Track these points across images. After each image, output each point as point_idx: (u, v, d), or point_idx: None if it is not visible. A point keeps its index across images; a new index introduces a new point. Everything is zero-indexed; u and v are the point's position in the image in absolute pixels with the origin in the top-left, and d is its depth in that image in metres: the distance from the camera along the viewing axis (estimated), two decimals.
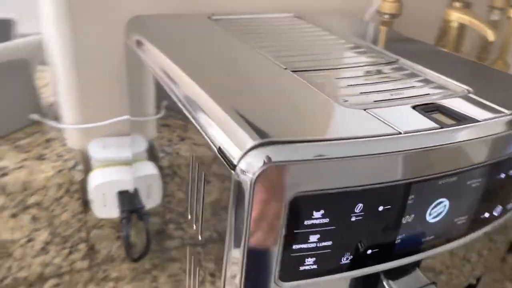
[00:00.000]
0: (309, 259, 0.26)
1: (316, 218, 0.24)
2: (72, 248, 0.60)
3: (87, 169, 0.57)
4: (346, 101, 0.28)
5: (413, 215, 0.27)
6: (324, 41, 0.41)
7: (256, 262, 0.25)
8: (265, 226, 0.24)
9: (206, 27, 0.41)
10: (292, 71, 0.32)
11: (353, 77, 0.33)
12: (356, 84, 0.31)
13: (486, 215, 0.32)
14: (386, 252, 0.28)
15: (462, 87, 0.32)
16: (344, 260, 0.27)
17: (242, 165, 0.22)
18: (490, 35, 0.45)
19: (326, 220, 0.25)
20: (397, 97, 0.29)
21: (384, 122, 0.25)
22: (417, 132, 0.25)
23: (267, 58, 0.34)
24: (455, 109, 0.28)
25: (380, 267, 0.28)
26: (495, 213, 0.32)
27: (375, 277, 0.30)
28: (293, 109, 0.27)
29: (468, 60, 0.39)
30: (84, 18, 0.50)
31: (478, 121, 0.27)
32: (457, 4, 0.50)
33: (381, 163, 0.24)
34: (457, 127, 0.26)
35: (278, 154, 0.22)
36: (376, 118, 0.26)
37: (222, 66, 0.33)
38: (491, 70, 0.39)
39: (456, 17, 0.50)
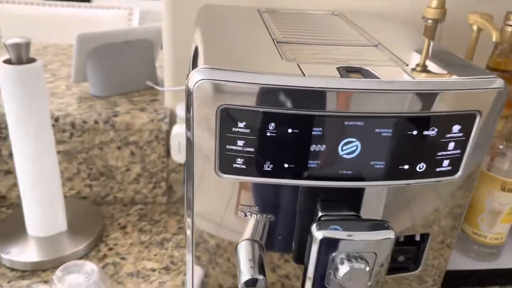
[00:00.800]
0: (239, 160, 0.37)
1: (240, 128, 0.36)
2: (156, 184, 0.79)
3: (172, 122, 0.76)
4: (294, 59, 0.39)
5: (324, 146, 0.37)
6: (334, 28, 0.51)
7: (201, 153, 0.37)
8: (205, 125, 0.36)
9: (249, 16, 0.55)
10: (278, 42, 0.44)
11: (325, 51, 0.43)
12: (319, 53, 0.42)
13: (406, 167, 0.38)
14: (300, 170, 0.37)
15: (405, 63, 0.40)
16: (266, 167, 0.37)
17: (189, 80, 0.35)
18: (495, 36, 0.49)
19: (247, 131, 0.36)
20: (340, 64, 0.39)
21: (300, 70, 0.36)
22: (318, 76, 0.35)
23: (269, 35, 0.46)
24: (373, 73, 0.36)
25: (299, 182, 0.38)
26: (418, 169, 0.39)
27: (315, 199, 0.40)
28: (247, 58, 0.39)
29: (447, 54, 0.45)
30: (179, 13, 0.68)
31: (379, 78, 0.35)
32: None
33: (287, 94, 0.35)
34: (353, 79, 0.35)
35: (209, 74, 0.34)
36: (298, 68, 0.36)
37: (232, 35, 0.46)
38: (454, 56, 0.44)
39: (473, 20, 0.54)
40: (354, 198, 0.40)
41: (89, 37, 0.75)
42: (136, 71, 0.82)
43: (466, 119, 0.38)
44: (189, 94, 0.35)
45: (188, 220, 0.41)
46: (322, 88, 0.34)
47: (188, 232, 0.42)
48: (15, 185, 0.75)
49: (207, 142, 0.37)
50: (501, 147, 0.62)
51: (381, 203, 0.40)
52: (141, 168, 0.78)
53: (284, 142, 0.36)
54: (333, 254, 0.36)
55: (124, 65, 0.80)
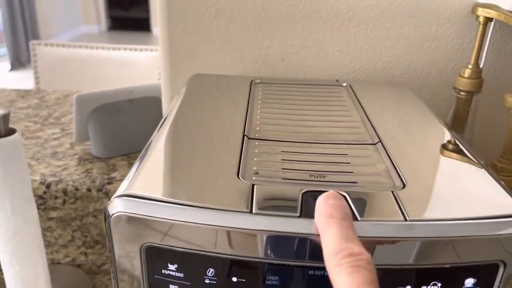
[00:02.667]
0: None
1: (172, 270, 0.28)
2: None
3: None
4: (256, 173, 0.31)
5: None
6: (330, 112, 0.42)
7: None
8: (128, 264, 0.28)
9: (235, 92, 0.47)
10: (249, 138, 0.36)
11: (302, 153, 0.34)
12: (295, 160, 0.33)
13: None
14: None
15: (398, 185, 0.30)
16: None
17: (108, 207, 0.28)
18: None
19: (181, 275, 0.28)
20: (312, 183, 0.30)
21: (251, 200, 0.27)
22: (269, 215, 0.26)
23: (244, 126, 0.38)
24: (350, 204, 0.27)
25: None
26: None
27: None
28: (194, 175, 0.31)
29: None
30: (174, 78, 0.62)
31: (356, 220, 0.26)
32: None
33: (229, 235, 0.26)
34: (308, 219, 0.25)
35: (131, 206, 0.27)
36: (249, 194, 0.28)
37: (197, 128, 0.39)
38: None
39: (510, 103, 0.42)
40: None
41: (89, 98, 0.71)
42: (141, 131, 0.77)
43: (484, 271, 0.27)
44: (107, 225, 0.28)
45: None
46: (270, 231, 0.25)
47: None
48: None
49: (134, 282, 0.29)
50: None
51: None
52: None
53: None
54: None
55: (127, 124, 0.75)
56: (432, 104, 0.49)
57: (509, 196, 0.29)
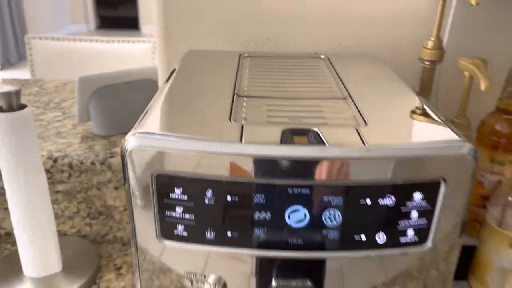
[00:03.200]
0: (180, 227, 0.35)
1: (177, 194, 0.34)
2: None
3: None
4: (245, 118, 0.37)
5: (269, 213, 0.34)
6: (308, 76, 0.49)
7: (142, 218, 0.36)
8: (142, 191, 0.35)
9: (226, 64, 0.53)
10: (238, 96, 0.42)
11: (283, 105, 0.40)
12: (276, 109, 0.39)
13: (363, 237, 0.35)
14: (246, 239, 0.35)
15: (361, 124, 0.36)
16: (209, 236, 0.35)
17: (124, 144, 0.34)
18: (483, 85, 0.44)
19: (185, 197, 0.34)
20: (291, 124, 0.36)
21: (241, 134, 0.33)
22: (255, 143, 0.32)
23: (234, 87, 0.44)
24: (320, 136, 0.33)
25: (245, 252, 0.35)
26: (378, 239, 0.35)
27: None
28: (194, 119, 0.37)
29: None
30: (170, 56, 0.68)
31: (323, 142, 0.32)
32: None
33: (223, 161, 0.32)
34: (290, 146, 0.32)
35: (144, 141, 0.33)
36: (240, 131, 0.34)
37: (194, 88, 0.45)
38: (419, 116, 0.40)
39: (464, 66, 0.49)
40: (312, 269, 0.36)
41: (91, 79, 0.76)
42: (139, 111, 0.82)
43: (429, 187, 0.34)
44: (123, 159, 0.34)
45: (137, 282, 0.39)
46: (257, 155, 0.32)
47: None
48: None
49: (146, 207, 0.35)
50: (509, 198, 0.56)
51: (346, 276, 0.37)
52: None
53: (225, 210, 0.34)
54: None
55: (126, 105, 0.81)
56: (403, 77, 0.56)
57: (451, 131, 0.36)
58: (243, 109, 0.39)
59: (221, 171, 0.33)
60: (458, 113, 0.52)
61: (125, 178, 0.34)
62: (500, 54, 0.66)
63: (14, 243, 0.79)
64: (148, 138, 0.33)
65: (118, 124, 0.81)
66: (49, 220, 0.67)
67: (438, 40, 0.56)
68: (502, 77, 0.59)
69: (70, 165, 0.73)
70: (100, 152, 0.75)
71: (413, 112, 0.40)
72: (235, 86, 0.44)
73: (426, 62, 0.57)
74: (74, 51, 1.46)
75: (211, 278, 0.37)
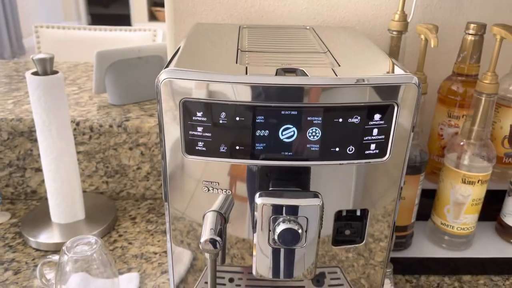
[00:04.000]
0: (200, 143, 0.47)
1: (198, 116, 0.45)
2: None
3: None
4: (247, 63, 0.48)
5: (267, 131, 0.45)
6: (297, 40, 0.60)
7: (170, 138, 0.47)
8: (171, 115, 0.46)
9: (229, 31, 0.65)
10: (241, 51, 0.53)
11: (277, 57, 0.52)
12: (272, 58, 0.51)
13: (337, 149, 0.46)
14: (250, 152, 0.46)
15: (336, 66, 0.48)
16: (222, 149, 0.46)
17: (158, 79, 0.45)
18: (433, 42, 0.56)
19: (204, 119, 0.45)
20: (283, 66, 0.48)
21: (246, 71, 0.45)
22: (257, 75, 0.44)
23: (237, 45, 0.56)
24: (305, 72, 0.45)
25: (248, 162, 0.47)
26: (348, 151, 0.47)
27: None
28: (208, 62, 0.48)
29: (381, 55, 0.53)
30: (178, 32, 0.79)
31: (307, 75, 0.44)
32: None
33: (233, 89, 0.44)
34: (284, 77, 0.43)
35: (173, 74, 0.44)
36: (245, 69, 0.45)
37: (205, 45, 0.56)
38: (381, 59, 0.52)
39: (420, 30, 0.61)
40: (299, 176, 0.48)
41: (107, 54, 0.87)
42: (148, 83, 0.93)
43: (386, 110, 0.45)
44: (157, 90, 0.45)
45: (165, 200, 0.50)
46: (258, 83, 0.43)
47: (166, 206, 0.51)
48: (43, 181, 0.88)
49: (174, 129, 0.46)
50: (461, 143, 0.68)
51: (324, 181, 0.48)
52: (150, 167, 0.88)
53: (234, 128, 0.45)
54: (271, 218, 0.44)
55: (137, 77, 0.92)
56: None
57: (404, 70, 0.47)
58: (246, 58, 0.50)
59: (232, 97, 0.44)
60: (417, 70, 0.64)
61: (159, 105, 0.46)
62: (457, 26, 0.78)
63: (39, 199, 0.90)
64: (177, 72, 0.44)
65: (131, 94, 0.92)
66: (75, 172, 0.78)
67: (403, 13, 0.68)
68: (458, 46, 0.72)
69: (91, 128, 0.84)
70: (116, 117, 0.86)
71: (377, 59, 0.52)
72: (238, 45, 0.56)
73: (393, 32, 0.69)
74: (78, 40, 1.57)
75: (221, 186, 0.48)
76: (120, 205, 0.89)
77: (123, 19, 6.03)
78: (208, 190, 0.49)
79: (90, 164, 0.88)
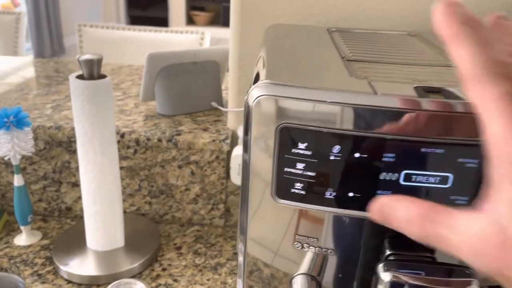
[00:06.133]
0: (298, 184, 0.34)
1: (301, 149, 0.33)
2: (214, 205, 0.78)
3: (234, 144, 0.74)
4: (365, 77, 0.36)
5: (396, 174, 0.32)
6: (409, 48, 0.47)
7: (258, 175, 0.35)
8: (263, 144, 0.33)
9: (317, 35, 0.52)
10: (347, 60, 0.41)
11: (398, 70, 0.39)
12: (393, 72, 0.38)
13: None
14: (367, 200, 0.33)
15: None
16: (328, 195, 0.34)
17: (248, 96, 0.33)
18: None
19: (309, 153, 0.33)
20: (418, 83, 0.35)
21: (372, 88, 0.32)
22: (393, 95, 0.31)
23: (338, 53, 0.43)
24: (457, 94, 0.32)
25: (366, 215, 0.34)
26: None
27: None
28: (312, 75, 0.36)
29: None
30: (244, 34, 0.68)
31: (461, 98, 0.30)
32: None
33: (356, 114, 0.31)
34: (435, 99, 0.30)
35: (270, 90, 0.32)
36: (369, 86, 0.32)
37: (298, 53, 0.44)
38: None
39: None
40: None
41: (159, 57, 0.76)
42: (202, 92, 0.82)
43: None
44: (247, 111, 0.33)
45: (241, 246, 0.38)
46: (397, 108, 0.30)
47: (240, 259, 0.39)
48: (80, 197, 0.77)
49: (264, 163, 0.34)
50: None
51: None
52: (200, 189, 0.77)
53: (350, 168, 0.33)
54: None
55: (190, 85, 0.80)
56: None
57: None
58: (359, 70, 0.38)
59: (353, 125, 0.31)
60: None
61: (246, 131, 0.33)
62: None
63: (74, 218, 0.79)
64: (277, 88, 0.32)
65: (182, 104, 0.81)
66: (117, 194, 0.67)
67: None
68: None
69: (137, 141, 0.73)
70: (166, 130, 0.74)
71: None
72: (339, 52, 0.43)
73: None
74: (122, 40, 1.48)
75: (319, 242, 0.36)
76: (163, 230, 0.77)
77: (161, 22, 6.03)
78: (302, 247, 0.36)
79: (133, 181, 0.77)
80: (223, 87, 0.87)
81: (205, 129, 0.76)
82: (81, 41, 1.46)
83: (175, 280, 0.66)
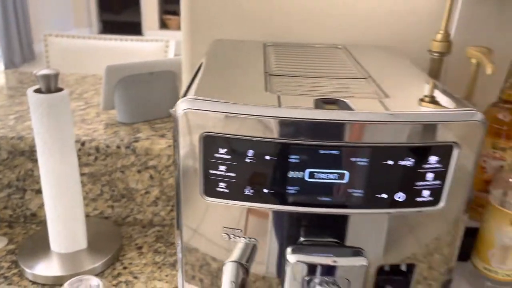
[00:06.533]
0: (221, 184, 0.40)
1: (222, 154, 0.38)
2: (173, 206, 0.83)
3: None
4: (279, 91, 0.42)
5: (301, 173, 0.38)
6: (331, 61, 0.53)
7: (188, 176, 0.40)
8: (190, 151, 0.39)
9: (253, 50, 0.58)
10: (270, 74, 0.47)
11: (312, 83, 0.45)
12: (307, 85, 0.44)
13: (384, 196, 0.39)
14: (280, 196, 0.39)
15: (383, 97, 0.41)
16: (247, 192, 0.40)
17: (176, 109, 0.38)
18: (489, 69, 0.49)
19: (228, 157, 0.38)
20: (322, 95, 0.41)
21: (278, 101, 0.38)
22: (292, 107, 0.37)
23: (264, 68, 0.49)
24: (349, 105, 0.38)
25: (279, 208, 0.40)
26: (397, 198, 0.39)
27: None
28: (233, 90, 0.42)
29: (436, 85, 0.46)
30: (195, 46, 0.73)
31: (351, 109, 0.37)
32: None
33: (264, 124, 0.37)
34: (325, 110, 0.36)
35: (194, 104, 0.38)
36: (277, 99, 0.38)
37: (228, 68, 0.50)
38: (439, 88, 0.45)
39: (470, 53, 0.54)
40: (336, 225, 0.41)
41: (117, 69, 0.81)
42: (160, 100, 0.87)
43: (444, 151, 0.38)
44: (175, 122, 0.38)
45: (178, 240, 0.44)
46: (294, 118, 0.36)
47: (179, 252, 0.44)
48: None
49: (192, 166, 0.40)
50: (509, 180, 0.60)
51: (366, 232, 0.41)
52: (159, 191, 0.82)
53: (263, 169, 0.38)
54: (306, 278, 0.37)
55: (148, 94, 0.85)
56: None
57: (464, 103, 0.40)
58: (276, 84, 0.44)
59: (262, 133, 0.37)
60: (465, 97, 0.57)
61: (175, 141, 0.39)
62: (503, 47, 0.71)
63: (39, 223, 0.83)
64: (199, 102, 0.38)
65: (140, 112, 0.86)
66: (78, 198, 0.72)
67: (446, 33, 0.61)
68: (505, 70, 0.64)
69: (97, 149, 0.78)
70: (125, 137, 0.79)
71: (429, 89, 0.45)
72: (265, 67, 0.49)
73: (434, 54, 0.62)
74: (88, 49, 1.51)
75: (243, 233, 0.41)
76: (125, 232, 0.82)
77: (135, 27, 6.02)
78: (229, 237, 0.42)
79: (95, 187, 0.81)
80: (180, 95, 0.92)
81: (162, 136, 0.81)
82: (47, 51, 1.49)
83: (135, 277, 0.71)
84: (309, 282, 0.37)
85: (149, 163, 0.79)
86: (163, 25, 5.70)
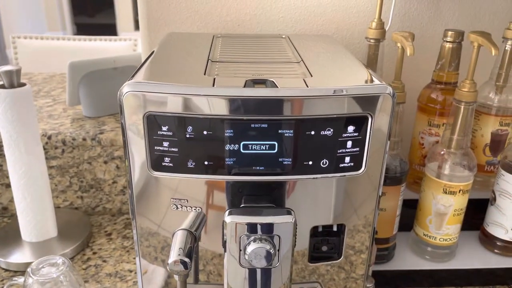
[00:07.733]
0: (166, 159, 0.44)
1: (164, 131, 0.43)
2: None
3: None
4: (216, 75, 0.46)
5: (237, 145, 0.43)
6: (271, 49, 0.58)
7: (136, 154, 0.45)
8: (135, 130, 0.44)
9: (202, 41, 0.63)
10: (212, 61, 0.51)
11: (248, 67, 0.50)
12: (243, 69, 0.49)
13: (310, 163, 0.44)
14: (219, 167, 0.44)
15: (308, 76, 0.46)
16: (190, 165, 0.44)
17: (120, 92, 0.43)
18: (409, 51, 0.55)
19: (170, 133, 0.43)
20: (253, 76, 0.46)
21: (213, 83, 0.43)
22: (224, 87, 0.42)
23: (208, 55, 0.54)
24: (275, 83, 0.43)
25: (218, 178, 0.45)
26: (322, 165, 0.45)
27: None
28: (175, 74, 0.46)
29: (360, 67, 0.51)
30: (152, 42, 0.77)
31: (276, 87, 0.42)
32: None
33: (200, 102, 0.42)
34: (251, 88, 0.41)
35: (136, 87, 0.42)
36: (213, 81, 0.43)
37: (175, 56, 0.54)
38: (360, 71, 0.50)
39: (396, 38, 0.60)
40: (271, 192, 0.46)
41: (80, 65, 0.85)
42: None
43: (359, 121, 0.44)
44: (120, 104, 0.43)
45: (131, 215, 0.48)
46: (224, 96, 0.41)
47: (134, 227, 0.49)
48: None
49: (139, 144, 0.44)
50: (441, 152, 0.66)
51: (298, 196, 0.46)
52: (126, 181, 0.86)
53: (202, 143, 0.43)
54: (242, 237, 0.42)
55: (113, 89, 0.89)
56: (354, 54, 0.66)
57: (378, 79, 0.46)
58: (215, 68, 0.48)
59: (199, 110, 0.42)
60: (394, 78, 0.63)
61: (122, 121, 0.43)
62: (436, 36, 0.77)
63: (10, 216, 0.87)
64: (140, 85, 0.42)
65: (106, 106, 0.89)
66: (46, 188, 0.75)
67: (380, 21, 0.67)
68: (437, 54, 0.71)
69: (64, 141, 0.81)
70: (90, 130, 0.83)
71: (351, 69, 0.50)
72: (209, 55, 0.54)
73: (371, 40, 0.68)
74: (58, 50, 1.53)
75: (190, 203, 0.46)
76: (95, 221, 0.86)
77: (109, 29, 5.99)
78: (177, 208, 0.47)
79: (64, 179, 0.85)
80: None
81: None
82: (16, 53, 1.50)
83: (104, 261, 0.75)
84: (244, 239, 0.42)
85: (115, 153, 0.83)
86: (138, 26, 5.69)
